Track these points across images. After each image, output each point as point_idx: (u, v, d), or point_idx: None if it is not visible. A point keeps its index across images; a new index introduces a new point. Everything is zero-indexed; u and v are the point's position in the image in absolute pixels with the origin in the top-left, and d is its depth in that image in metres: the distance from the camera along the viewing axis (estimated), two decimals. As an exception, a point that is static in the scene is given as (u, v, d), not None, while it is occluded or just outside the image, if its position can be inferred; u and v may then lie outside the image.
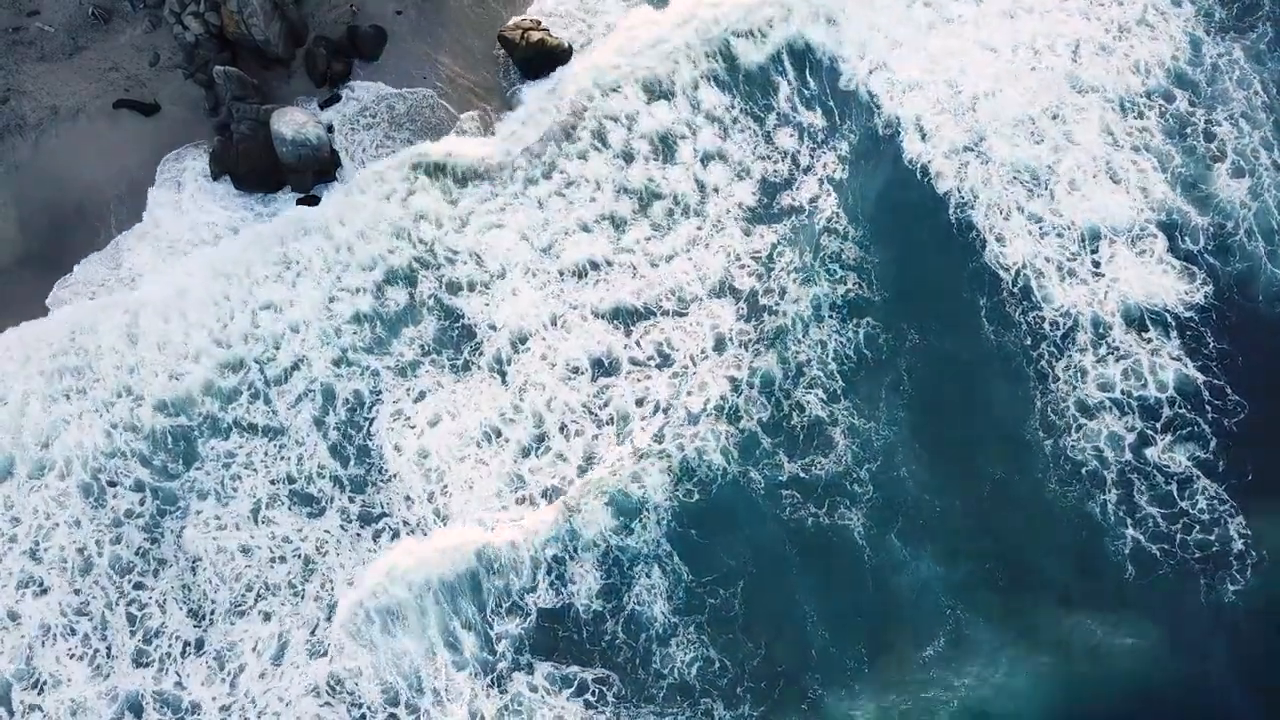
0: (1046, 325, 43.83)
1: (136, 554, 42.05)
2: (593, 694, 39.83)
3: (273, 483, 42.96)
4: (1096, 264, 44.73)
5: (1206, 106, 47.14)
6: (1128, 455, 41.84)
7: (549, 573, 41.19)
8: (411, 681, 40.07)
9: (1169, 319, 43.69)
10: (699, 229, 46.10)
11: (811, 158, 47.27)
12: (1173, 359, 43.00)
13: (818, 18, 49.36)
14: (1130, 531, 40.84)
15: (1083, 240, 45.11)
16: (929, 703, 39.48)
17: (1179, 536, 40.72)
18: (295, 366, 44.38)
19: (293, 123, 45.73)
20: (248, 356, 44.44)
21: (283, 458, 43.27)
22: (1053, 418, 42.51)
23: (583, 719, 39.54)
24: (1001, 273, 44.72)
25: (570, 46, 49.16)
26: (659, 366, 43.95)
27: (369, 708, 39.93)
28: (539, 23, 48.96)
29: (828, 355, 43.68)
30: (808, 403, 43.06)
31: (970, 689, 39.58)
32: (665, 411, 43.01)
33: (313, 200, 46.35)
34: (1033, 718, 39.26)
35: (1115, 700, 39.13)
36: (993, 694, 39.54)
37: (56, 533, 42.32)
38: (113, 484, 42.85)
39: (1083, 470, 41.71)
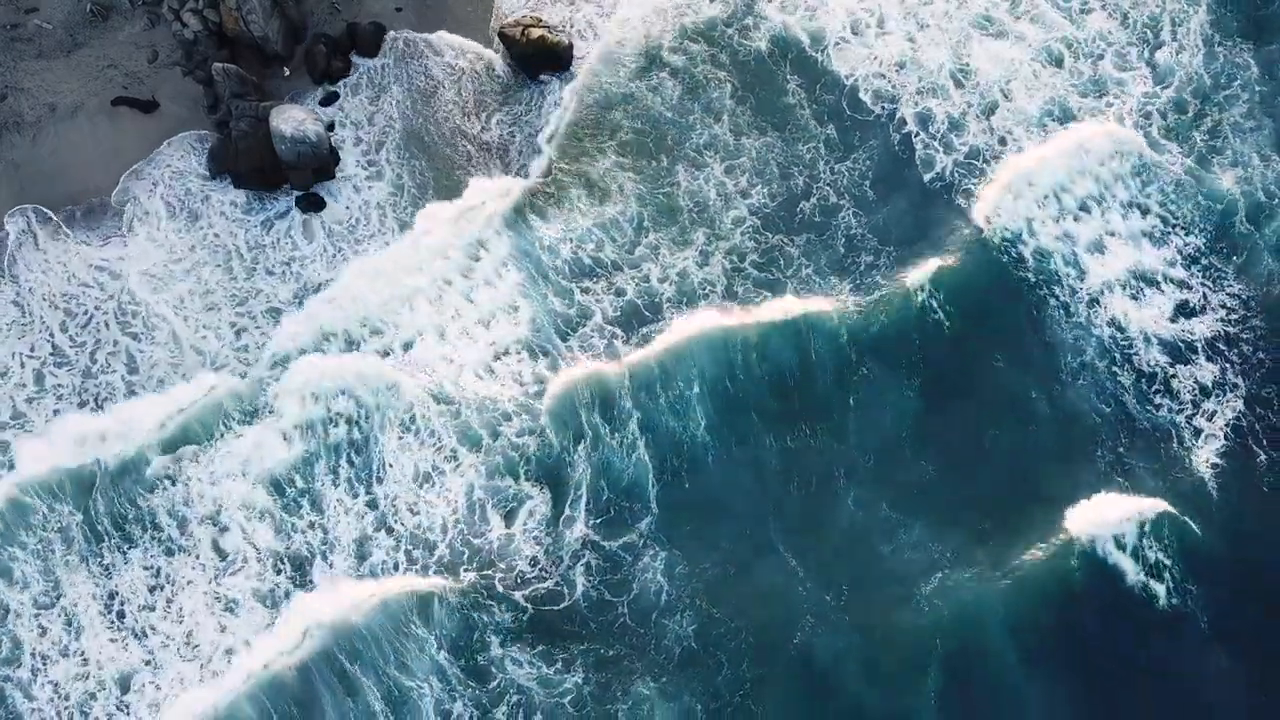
0: (1072, 322, 44.05)
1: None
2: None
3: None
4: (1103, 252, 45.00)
5: (1219, 106, 47.30)
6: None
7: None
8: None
9: (1195, 317, 44.14)
10: (708, 236, 45.79)
11: (826, 166, 47.09)
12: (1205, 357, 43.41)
13: None
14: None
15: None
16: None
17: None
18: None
19: (292, 120, 45.45)
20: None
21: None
22: (1079, 406, 42.75)
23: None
24: (1029, 275, 44.92)
25: (571, 44, 48.87)
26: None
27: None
28: (540, 19, 48.71)
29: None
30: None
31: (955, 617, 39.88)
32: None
33: (313, 199, 46.08)
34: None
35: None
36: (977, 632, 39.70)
37: None
38: None
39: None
